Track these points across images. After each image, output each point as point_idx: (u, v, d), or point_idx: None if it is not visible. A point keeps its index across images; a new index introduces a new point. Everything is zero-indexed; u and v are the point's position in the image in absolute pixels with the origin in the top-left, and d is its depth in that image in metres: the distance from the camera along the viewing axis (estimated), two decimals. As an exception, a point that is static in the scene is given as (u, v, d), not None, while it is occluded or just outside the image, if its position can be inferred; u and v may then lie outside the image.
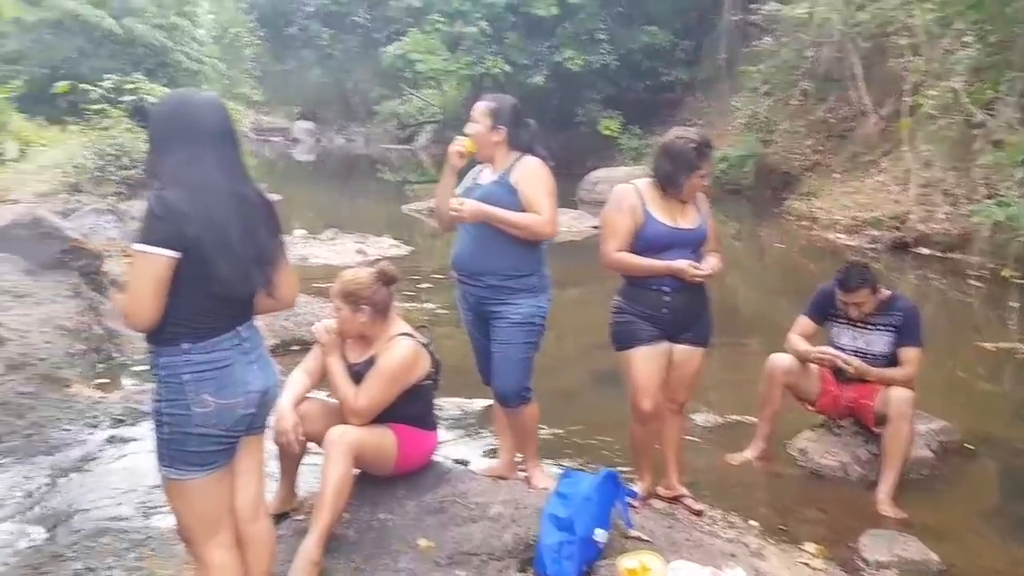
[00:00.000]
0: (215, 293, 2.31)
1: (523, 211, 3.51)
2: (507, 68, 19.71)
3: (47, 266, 6.38)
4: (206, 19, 33.47)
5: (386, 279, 3.43)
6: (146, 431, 4.66)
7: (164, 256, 2.21)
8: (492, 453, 4.56)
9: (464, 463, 4.32)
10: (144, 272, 2.22)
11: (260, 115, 39.29)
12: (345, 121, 40.26)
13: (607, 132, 19.54)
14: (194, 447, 2.35)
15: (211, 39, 32.74)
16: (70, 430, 4.75)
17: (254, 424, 2.51)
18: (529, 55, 19.98)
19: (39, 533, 3.64)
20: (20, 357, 5.14)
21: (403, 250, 11.34)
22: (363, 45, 21.74)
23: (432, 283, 9.01)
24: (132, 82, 14.39)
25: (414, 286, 8.51)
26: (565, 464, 4.38)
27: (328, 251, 10.32)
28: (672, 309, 3.59)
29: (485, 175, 3.73)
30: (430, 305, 7.90)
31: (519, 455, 4.05)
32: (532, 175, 3.57)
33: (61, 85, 15.32)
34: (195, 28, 29.70)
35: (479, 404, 5.17)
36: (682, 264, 3.52)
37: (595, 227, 12.22)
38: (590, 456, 4.63)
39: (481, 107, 3.68)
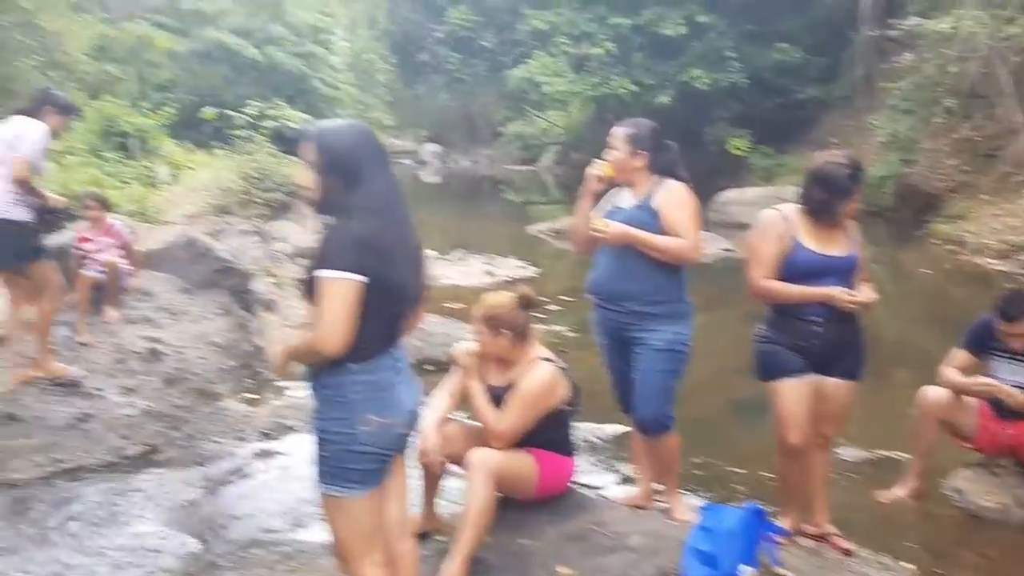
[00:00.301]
0: (385, 315, 2.38)
1: (665, 235, 3.47)
2: (633, 88, 19.63)
3: (201, 285, 6.74)
4: (341, 47, 34.82)
5: (526, 303, 3.45)
6: (292, 446, 4.88)
7: (356, 281, 2.27)
8: (627, 481, 4.51)
9: (598, 490, 4.29)
10: (338, 298, 2.26)
11: (391, 138, 40.51)
12: (470, 143, 40.96)
13: (736, 151, 19.17)
14: (356, 465, 2.41)
15: (345, 66, 34.04)
16: (221, 443, 4.97)
17: (405, 444, 2.56)
18: (655, 75, 19.85)
19: (194, 541, 3.82)
20: (177, 372, 5.42)
21: (529, 271, 11.40)
22: (490, 69, 22.06)
23: (560, 305, 9.02)
24: (274, 108, 15.03)
25: (542, 308, 8.52)
26: (703, 496, 4.28)
27: (456, 271, 10.48)
28: (823, 340, 3.46)
29: (625, 199, 3.71)
30: (558, 327, 7.91)
31: (657, 485, 3.98)
32: (676, 199, 3.54)
33: (209, 112, 16.17)
34: (331, 55, 30.91)
35: (612, 430, 5.12)
36: (836, 291, 3.39)
37: (726, 249, 12.03)
38: (729, 488, 4.50)
39: (620, 133, 3.67)
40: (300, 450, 4.79)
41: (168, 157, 15.40)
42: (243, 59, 26.52)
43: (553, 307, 8.80)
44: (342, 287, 2.26)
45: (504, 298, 3.45)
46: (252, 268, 7.63)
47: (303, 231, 11.77)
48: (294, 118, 14.99)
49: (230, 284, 6.89)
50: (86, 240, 5.89)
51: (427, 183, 31.23)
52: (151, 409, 5.05)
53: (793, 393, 3.48)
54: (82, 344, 5.53)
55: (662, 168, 3.64)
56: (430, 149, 39.78)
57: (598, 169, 3.67)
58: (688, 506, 3.90)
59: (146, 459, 4.75)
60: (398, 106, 41.38)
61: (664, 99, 19.39)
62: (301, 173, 2.48)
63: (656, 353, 3.55)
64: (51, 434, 4.69)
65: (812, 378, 3.52)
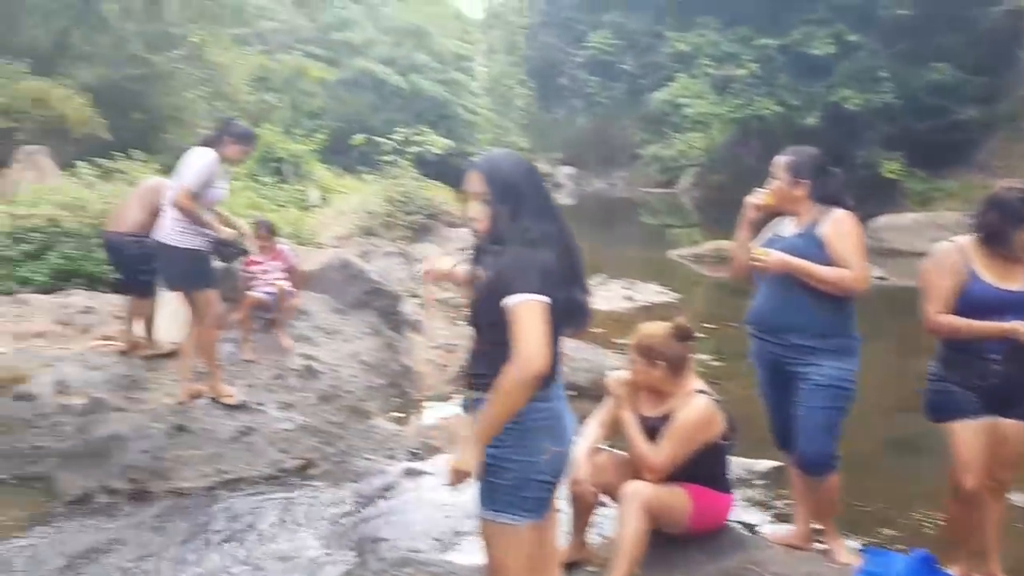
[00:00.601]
0: (558, 342, 2.40)
1: (830, 266, 3.36)
2: (778, 109, 19.17)
3: (352, 305, 6.99)
4: (480, 72, 35.64)
5: (683, 334, 3.41)
6: (438, 466, 4.97)
7: (546, 302, 2.30)
8: (781, 519, 4.37)
9: (752, 528, 4.17)
10: (536, 319, 2.28)
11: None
12: (606, 165, 40.99)
13: (889, 175, 18.36)
14: (533, 493, 2.42)
15: (484, 91, 34.81)
16: (372, 460, 5.12)
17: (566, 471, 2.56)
18: (802, 96, 19.30)
19: (349, 557, 3.93)
20: (331, 389, 5.62)
21: (670, 297, 11.26)
22: (629, 91, 22.00)
23: (704, 332, 8.85)
24: (419, 134, 15.51)
25: (693, 327, 8.38)
26: (859, 538, 4.10)
27: (597, 297, 10.40)
28: (1001, 378, 3.26)
29: (787, 227, 3.62)
30: (703, 356, 7.76)
31: (815, 524, 3.83)
32: (842, 228, 3.42)
33: (358, 138, 16.80)
34: (471, 81, 31.69)
35: (765, 465, 4.97)
36: (1020, 325, 3.18)
37: (879, 277, 11.51)
38: (890, 532, 4.30)
39: (781, 162, 3.59)
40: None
41: (319, 181, 16.12)
42: (389, 87, 27.55)
43: (695, 334, 8.64)
44: (536, 308, 2.28)
45: (660, 328, 3.42)
46: (398, 289, 7.85)
47: (443, 252, 12.05)
48: (437, 143, 15.40)
49: (380, 305, 7.11)
50: (254, 263, 6.16)
51: (562, 205, 31.28)
52: (307, 424, 5.24)
53: (969, 435, 3.29)
54: (246, 361, 5.81)
55: (826, 196, 3.53)
56: (565, 171, 40.03)
57: (756, 198, 3.60)
58: (848, 549, 3.74)
59: (302, 473, 4.93)
60: (533, 129, 41.99)
61: (811, 120, 18.82)
62: (470, 205, 2.48)
63: (820, 389, 3.42)
64: (216, 446, 4.93)
65: (989, 419, 3.31)
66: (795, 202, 3.54)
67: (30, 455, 4.95)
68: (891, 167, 18.62)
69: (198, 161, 4.96)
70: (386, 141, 14.48)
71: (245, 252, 5.50)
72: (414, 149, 15.05)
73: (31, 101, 13.08)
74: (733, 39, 19.54)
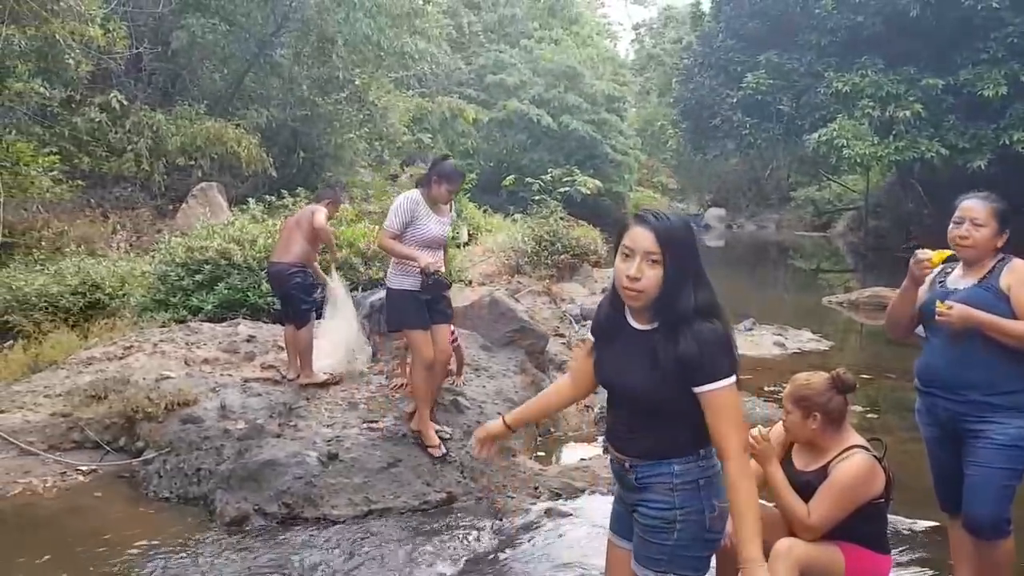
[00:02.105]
0: None
1: (1014, 319, 3.13)
2: (943, 152, 18.23)
3: (500, 343, 7.07)
4: (631, 114, 35.70)
5: (842, 386, 3.27)
6: (580, 507, 4.92)
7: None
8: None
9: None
10: (738, 401, 2.28)
11: (674, 202, 40.71)
12: (756, 207, 40.13)
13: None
14: (702, 552, 2.39)
15: (634, 131, 34.84)
16: (514, 498, 5.13)
17: None
18: (970, 138, 18.29)
19: (488, 594, 3.95)
20: (476, 425, 5.66)
21: (823, 345, 10.81)
22: (785, 132, 21.43)
23: (858, 383, 8.43)
24: (569, 174, 15.64)
25: (855, 379, 8.03)
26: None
27: (746, 342, 10.14)
28: None
29: (957, 277, 3.40)
30: (858, 407, 7.40)
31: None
32: None
33: (509, 179, 17.11)
34: (621, 122, 31.77)
35: (924, 524, 4.67)
36: None
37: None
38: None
39: (984, 208, 3.32)
40: (589, 512, 4.85)
41: (469, 220, 16.49)
42: (540, 127, 27.96)
43: (856, 386, 8.25)
44: (736, 393, 2.27)
45: (817, 379, 3.28)
46: (544, 328, 7.88)
47: (589, 293, 12.04)
48: (587, 183, 15.46)
49: (527, 344, 7.15)
50: None
51: (711, 247, 30.88)
52: (452, 459, 5.32)
53: None
54: (394, 392, 5.96)
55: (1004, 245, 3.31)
56: (714, 213, 39.45)
57: (925, 258, 3.37)
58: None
59: (446, 507, 5.00)
60: (683, 170, 41.67)
61: (979, 163, 17.78)
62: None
63: (997, 448, 3.19)
64: (365, 476, 5.07)
65: None
66: (990, 252, 3.32)
67: (192, 476, 5.24)
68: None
69: (396, 203, 5.21)
70: (536, 181, 14.63)
71: (448, 285, 5.36)
72: (563, 189, 15.14)
73: (207, 140, 14.04)
74: (898, 79, 18.73)
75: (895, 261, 21.07)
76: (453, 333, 5.84)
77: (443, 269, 5.36)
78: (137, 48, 14.12)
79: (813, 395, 3.23)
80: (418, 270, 5.03)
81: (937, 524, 4.44)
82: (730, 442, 2.24)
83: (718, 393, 2.24)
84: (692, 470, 2.35)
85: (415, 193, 5.20)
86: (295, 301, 5.99)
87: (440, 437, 5.38)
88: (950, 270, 3.48)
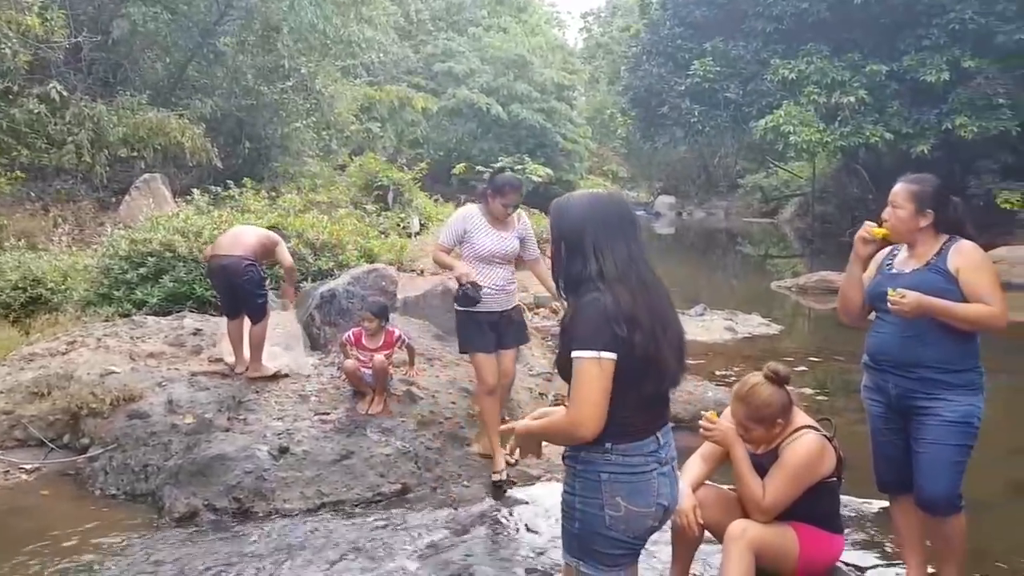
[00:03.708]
0: (648, 392, 2.29)
1: (964, 301, 3.18)
2: (888, 137, 18.56)
3: (452, 332, 6.99)
4: (580, 101, 35.78)
5: (780, 380, 3.27)
6: (535, 495, 4.93)
7: (611, 360, 2.19)
8: (889, 561, 4.15)
9: (862, 571, 3.97)
10: (594, 378, 2.19)
11: (624, 190, 40.95)
12: (706, 195, 40.58)
13: (1006, 206, 17.53)
14: (602, 548, 2.33)
15: (584, 120, 34.93)
16: (469, 487, 5.11)
17: (652, 534, 2.43)
18: (913, 123, 18.65)
19: (446, 584, 3.92)
20: (430, 415, 5.64)
21: (772, 329, 10.96)
22: (732, 120, 21.64)
23: (807, 366, 8.60)
24: (521, 163, 15.60)
25: (788, 368, 8.15)
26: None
27: (698, 327, 10.23)
28: None
29: (903, 261, 3.44)
30: (807, 390, 7.52)
31: (931, 569, 3.62)
32: (974, 261, 3.23)
33: (459, 167, 17.03)
34: (571, 111, 31.81)
35: (877, 505, 4.74)
36: None
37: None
38: (1010, 578, 4.04)
39: (903, 190, 3.40)
40: (543, 499, 4.85)
41: (420, 209, 16.37)
42: (489, 116, 27.87)
43: (800, 368, 8.39)
44: (595, 368, 2.18)
45: (761, 389, 3.23)
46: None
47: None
48: (538, 171, 15.45)
49: (479, 332, 7.10)
50: (360, 345, 5.64)
51: (661, 234, 31.12)
52: (406, 450, 5.27)
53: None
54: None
55: (949, 226, 3.35)
56: (664, 200, 39.81)
57: (865, 231, 3.41)
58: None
59: (400, 498, 4.97)
60: (633, 158, 41.93)
61: (923, 148, 18.14)
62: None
63: (947, 425, 3.23)
64: (318, 468, 5.01)
65: None
66: (917, 233, 3.37)
67: (140, 472, 5.14)
68: (1007, 197, 17.78)
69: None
70: (488, 170, 14.59)
71: (479, 299, 4.89)
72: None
73: (150, 131, 13.73)
74: (842, 66, 19.02)
75: (841, 246, 21.40)
76: (399, 337, 5.75)
77: (503, 285, 5.05)
78: (76, 37, 13.75)
79: (771, 408, 3.21)
80: (459, 281, 4.86)
81: (885, 505, 4.52)
82: (569, 412, 2.24)
83: (576, 362, 2.21)
84: (597, 462, 2.29)
85: (472, 208, 5.12)
86: (249, 296, 5.85)
87: (387, 428, 5.32)
88: (896, 252, 3.52)
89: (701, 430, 3.32)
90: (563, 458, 2.42)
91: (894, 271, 3.43)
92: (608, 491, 2.29)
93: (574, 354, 2.21)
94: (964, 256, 3.25)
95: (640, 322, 2.22)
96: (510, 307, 5.15)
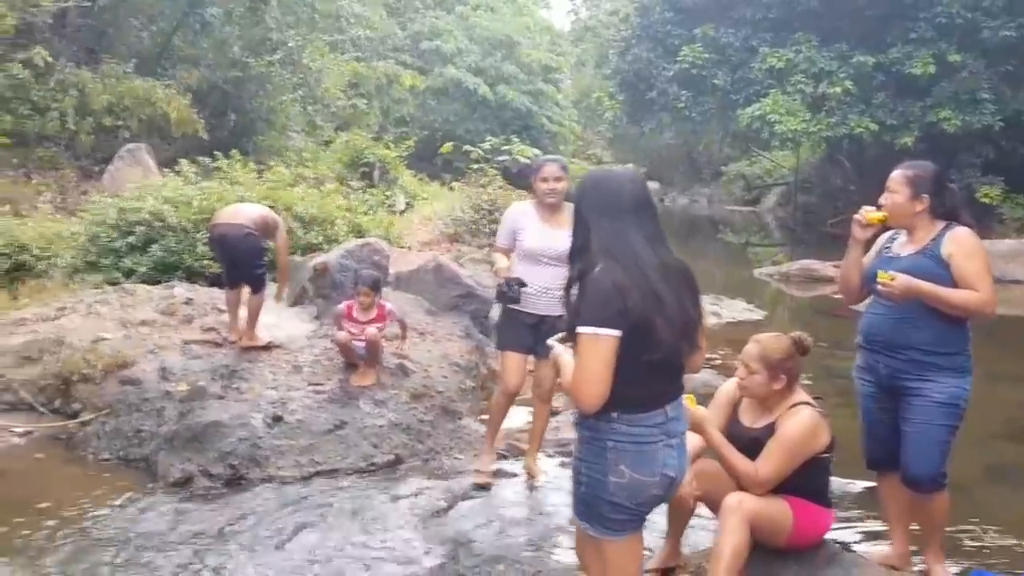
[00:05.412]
0: (651, 364, 2.35)
1: (955, 286, 3.26)
2: (873, 128, 18.70)
3: (445, 308, 7.07)
4: (567, 85, 35.73)
5: (803, 349, 3.35)
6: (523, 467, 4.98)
7: (612, 336, 2.27)
8: (873, 538, 4.26)
9: (846, 546, 4.06)
10: (595, 354, 2.27)
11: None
12: (690, 181, 40.65)
13: (986, 200, 17.73)
14: (606, 512, 2.41)
15: (570, 103, 34.90)
16: (461, 459, 5.17)
17: (659, 503, 2.51)
18: (898, 115, 18.78)
19: (440, 552, 3.97)
20: (422, 388, 5.69)
21: (757, 315, 11.08)
22: (719, 107, 21.71)
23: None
24: (508, 143, 15.58)
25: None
26: (957, 563, 3.96)
27: (681, 311, 10.30)
28: None
29: (901, 245, 3.52)
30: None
31: (915, 546, 3.72)
32: (966, 248, 3.31)
33: (447, 146, 17.00)
34: (557, 93, 31.77)
35: (860, 485, 4.86)
36: None
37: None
38: (987, 556, 4.15)
39: (899, 176, 3.47)
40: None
41: (405, 187, 16.35)
42: (476, 96, 27.78)
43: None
44: (597, 343, 2.26)
45: (784, 342, 3.34)
46: (488, 295, 7.88)
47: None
48: (526, 153, 15.44)
49: (471, 309, 7.16)
50: (353, 321, 5.60)
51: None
52: (398, 421, 5.31)
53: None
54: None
55: (945, 212, 3.43)
56: (648, 187, 39.79)
57: (861, 216, 3.49)
58: (948, 572, 3.63)
59: (392, 468, 5.01)
60: (618, 143, 41.90)
61: (906, 140, 18.28)
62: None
63: (935, 406, 3.32)
64: (311, 438, 5.04)
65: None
66: (913, 218, 3.44)
67: (133, 438, 5.16)
68: (988, 191, 17.97)
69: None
70: (475, 150, 14.56)
71: (512, 300, 4.52)
72: (502, 158, 15.09)
73: (135, 100, 13.61)
74: (830, 56, 19.10)
75: (822, 236, 21.61)
76: (391, 311, 5.70)
77: (548, 287, 4.39)
78: (63, 2, 13.56)
79: (783, 357, 3.29)
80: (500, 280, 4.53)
81: (872, 484, 4.61)
82: (572, 382, 2.33)
83: (579, 337, 2.30)
84: (604, 430, 2.37)
85: (523, 204, 4.75)
86: (249, 266, 5.87)
87: (380, 400, 5.33)
88: (896, 237, 3.59)
89: None
90: (574, 425, 2.50)
91: (892, 255, 3.50)
92: (613, 459, 2.36)
93: (578, 329, 2.30)
94: (958, 242, 3.33)
95: (631, 295, 2.28)
96: (556, 313, 4.33)
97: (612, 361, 2.27)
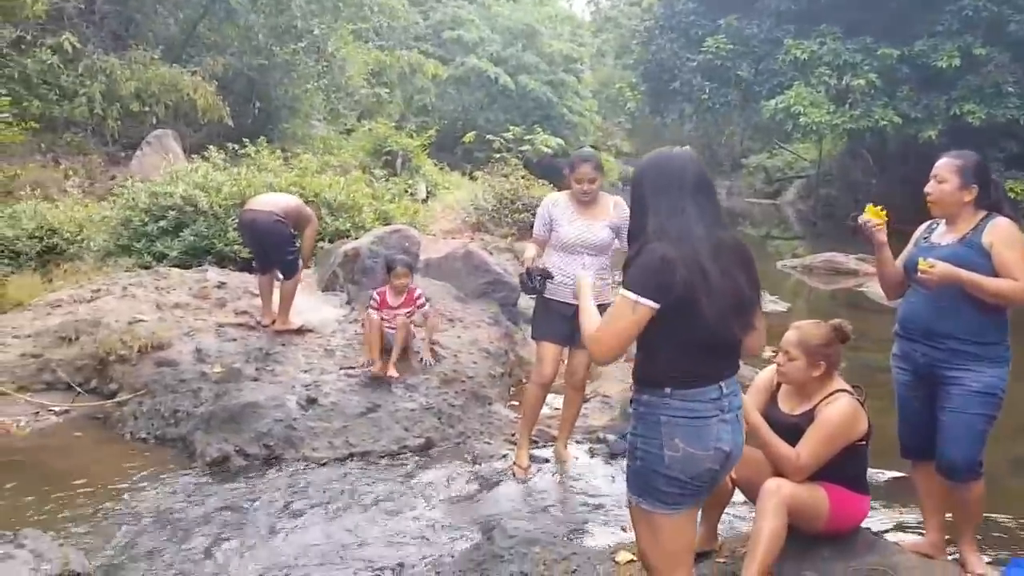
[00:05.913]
0: (700, 341, 2.40)
1: (995, 275, 3.27)
2: (897, 121, 18.56)
3: (474, 294, 7.12)
4: (588, 75, 35.62)
5: (844, 336, 3.38)
6: (552, 453, 5.02)
7: (648, 307, 2.33)
8: (906, 527, 4.28)
9: (878, 535, 4.09)
10: (626, 316, 2.35)
11: (627, 166, 40.88)
12: (710, 173, 40.40)
13: (1010, 195, 17.54)
14: (661, 486, 2.45)
15: (591, 93, 34.81)
16: (491, 443, 5.22)
17: (716, 480, 2.54)
18: (923, 108, 18.64)
19: (474, 533, 4.02)
20: (453, 373, 5.74)
21: (781, 306, 11.08)
22: (742, 98, 21.59)
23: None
24: (531, 133, 15.61)
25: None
26: (989, 552, 3.97)
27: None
28: None
29: (942, 233, 3.52)
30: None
31: (948, 535, 3.74)
32: (1008, 238, 3.31)
33: (469, 135, 17.04)
34: (578, 83, 31.70)
35: (890, 475, 4.87)
36: None
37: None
38: (1015, 548, 4.16)
39: (948, 164, 3.46)
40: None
41: (427, 176, 16.40)
42: (497, 86, 27.77)
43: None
44: (629, 308, 2.34)
45: (824, 328, 3.37)
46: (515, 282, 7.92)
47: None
48: (549, 142, 15.45)
49: (500, 296, 7.21)
50: (384, 304, 5.68)
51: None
52: (430, 406, 5.37)
53: None
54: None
55: (989, 204, 3.43)
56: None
57: (867, 218, 3.49)
58: (982, 561, 3.64)
59: (424, 452, 5.07)
60: (638, 133, 41.76)
61: (930, 134, 18.14)
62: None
63: (973, 395, 3.33)
64: (344, 420, 5.11)
65: None
66: (960, 207, 3.44)
67: (169, 418, 5.24)
68: (1013, 186, 17.80)
69: None
70: (498, 139, 14.58)
71: (538, 292, 4.48)
72: (524, 148, 15.11)
73: (162, 87, 13.71)
74: (855, 48, 18.96)
75: (843, 229, 21.36)
76: (420, 295, 5.76)
77: (578, 278, 4.30)
78: (91, -12, 13.69)
79: (822, 344, 3.32)
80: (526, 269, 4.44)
81: (901, 475, 4.63)
82: (596, 330, 2.44)
83: (618, 296, 2.39)
84: (657, 405, 2.43)
85: (557, 195, 4.70)
86: (277, 251, 5.94)
87: (411, 384, 5.38)
88: (935, 226, 3.60)
89: None
90: (630, 401, 2.57)
91: (930, 244, 3.51)
92: (667, 432, 2.41)
93: (620, 291, 2.38)
94: (999, 231, 3.33)
95: (678, 271, 2.32)
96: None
97: (640, 328, 2.35)
